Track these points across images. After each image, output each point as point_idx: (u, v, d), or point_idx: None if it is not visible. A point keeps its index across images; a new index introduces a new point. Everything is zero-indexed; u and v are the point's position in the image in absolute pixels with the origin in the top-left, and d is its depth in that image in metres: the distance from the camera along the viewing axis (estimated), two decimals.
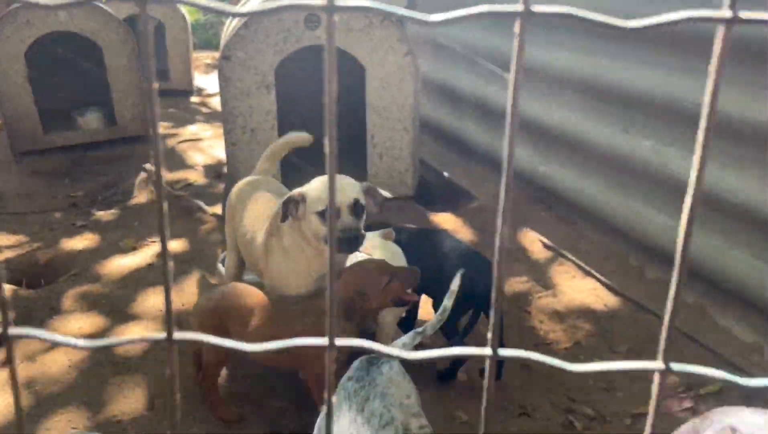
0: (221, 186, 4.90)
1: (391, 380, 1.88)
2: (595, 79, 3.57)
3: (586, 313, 3.21)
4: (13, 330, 0.46)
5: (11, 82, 5.07)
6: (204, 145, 5.80)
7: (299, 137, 3.16)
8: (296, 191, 2.41)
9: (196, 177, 5.18)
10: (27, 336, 0.47)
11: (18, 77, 5.07)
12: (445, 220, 4.25)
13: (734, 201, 2.80)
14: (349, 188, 2.36)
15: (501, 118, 4.52)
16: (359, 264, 2.39)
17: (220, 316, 2.40)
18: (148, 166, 5.24)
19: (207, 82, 8.28)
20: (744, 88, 2.58)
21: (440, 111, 5.32)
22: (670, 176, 3.10)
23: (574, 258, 3.58)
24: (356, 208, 2.34)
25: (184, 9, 7.47)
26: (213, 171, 5.28)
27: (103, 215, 4.57)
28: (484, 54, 4.62)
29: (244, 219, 2.77)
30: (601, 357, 2.90)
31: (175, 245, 4.07)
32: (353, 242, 2.28)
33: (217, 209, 4.46)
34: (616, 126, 3.44)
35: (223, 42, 4.54)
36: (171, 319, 0.47)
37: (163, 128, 6.17)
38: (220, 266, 3.40)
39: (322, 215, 2.33)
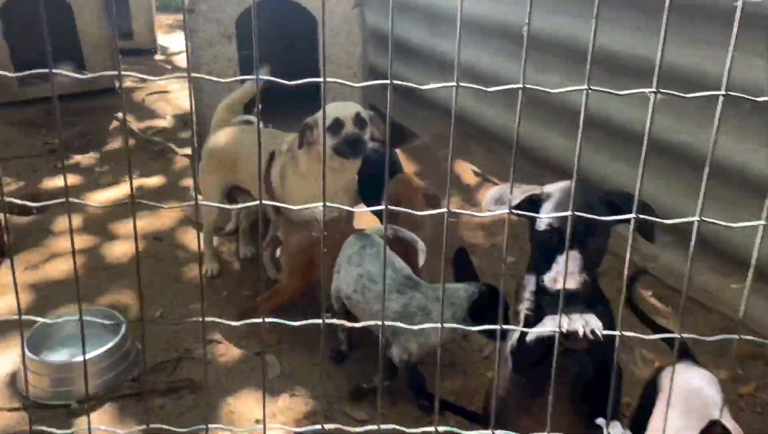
0: (189, 132, 5.39)
1: (380, 247, 2.63)
2: (514, 26, 4.14)
3: (502, 223, 3.84)
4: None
5: None
6: (171, 97, 6.23)
7: (253, 87, 3.48)
8: (309, 118, 2.88)
9: (165, 125, 5.64)
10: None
11: None
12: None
13: (595, 115, 3.44)
14: (351, 105, 2.89)
15: (442, 66, 5.08)
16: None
17: (310, 253, 2.83)
18: (120, 115, 5.68)
19: (170, 41, 8.62)
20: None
21: (381, 56, 5.87)
22: (571, 107, 3.71)
23: (497, 181, 4.19)
24: (358, 120, 2.82)
25: None
26: (181, 120, 5.74)
27: (82, 158, 5.02)
28: None
29: (248, 161, 3.09)
30: (511, 253, 3.54)
31: (152, 182, 4.57)
32: (356, 146, 2.80)
33: (187, 151, 4.96)
34: (532, 67, 4.03)
35: None
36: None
37: (130, 81, 6.58)
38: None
39: (331, 129, 2.78)
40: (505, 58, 4.39)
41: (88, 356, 2.58)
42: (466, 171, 4.49)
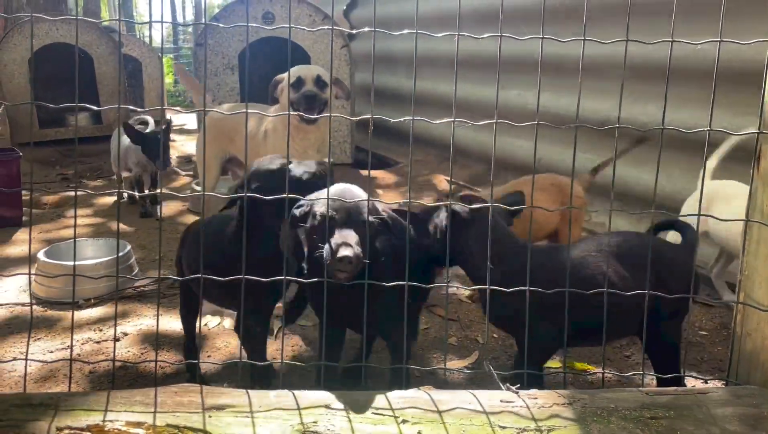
0: (191, 167, 5.90)
1: None
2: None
3: None
4: None
5: (16, 84, 6.06)
6: (176, 144, 6.81)
7: None
8: (278, 76, 3.25)
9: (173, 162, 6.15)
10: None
11: (22, 80, 6.07)
12: (377, 174, 5.31)
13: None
14: (314, 68, 3.26)
15: (409, 104, 5.68)
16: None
17: None
18: None
19: (175, 118, 9.35)
20: None
21: (367, 105, 6.50)
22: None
23: (467, 186, 4.64)
24: (318, 81, 3.16)
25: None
26: (184, 159, 6.26)
27: (92, 182, 5.48)
28: None
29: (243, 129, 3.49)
30: None
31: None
32: (311, 101, 3.09)
33: (191, 172, 5.44)
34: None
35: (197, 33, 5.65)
36: None
37: None
38: (194, 185, 4.33)
39: (293, 85, 3.15)
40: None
41: (95, 261, 2.92)
42: (441, 181, 4.94)
